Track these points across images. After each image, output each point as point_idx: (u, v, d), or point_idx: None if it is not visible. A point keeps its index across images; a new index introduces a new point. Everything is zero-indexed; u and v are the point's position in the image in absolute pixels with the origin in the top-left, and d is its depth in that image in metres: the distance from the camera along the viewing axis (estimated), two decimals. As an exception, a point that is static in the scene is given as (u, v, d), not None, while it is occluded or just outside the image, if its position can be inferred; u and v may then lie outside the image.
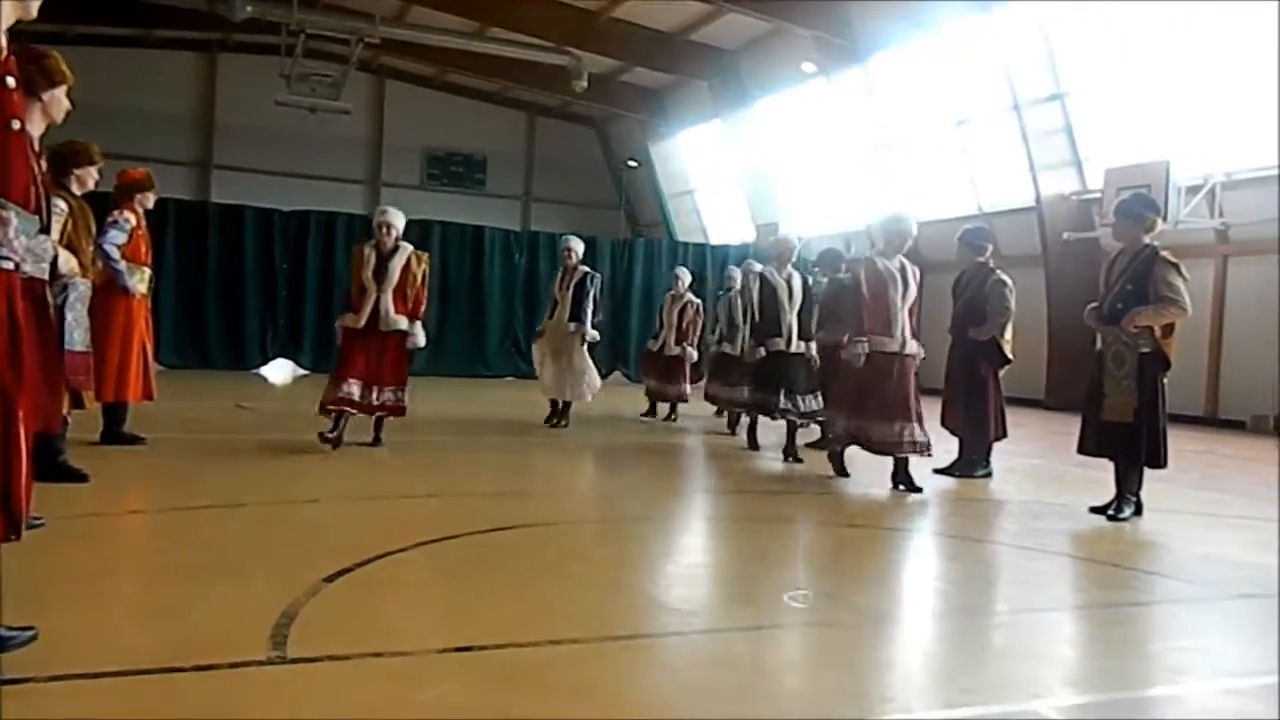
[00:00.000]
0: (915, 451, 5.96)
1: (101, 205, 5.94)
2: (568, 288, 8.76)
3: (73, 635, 2.72)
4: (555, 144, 26.49)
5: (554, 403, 9.01)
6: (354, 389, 6.60)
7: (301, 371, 15.18)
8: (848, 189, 19.08)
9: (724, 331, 9.56)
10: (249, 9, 16.28)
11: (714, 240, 22.02)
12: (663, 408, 10.41)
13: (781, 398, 7.24)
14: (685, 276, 10.41)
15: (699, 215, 25.32)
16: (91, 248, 5.51)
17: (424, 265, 6.86)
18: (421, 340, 6.84)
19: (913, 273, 6.17)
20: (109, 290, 6.06)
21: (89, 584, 3.33)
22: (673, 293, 10.44)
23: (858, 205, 18.59)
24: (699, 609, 3.50)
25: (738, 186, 22.61)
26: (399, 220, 6.96)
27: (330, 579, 3.41)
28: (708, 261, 17.93)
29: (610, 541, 4.62)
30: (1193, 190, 12.62)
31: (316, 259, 15.54)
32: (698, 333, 10.37)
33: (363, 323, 6.65)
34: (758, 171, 21.60)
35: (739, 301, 9.10)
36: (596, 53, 19.53)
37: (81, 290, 5.41)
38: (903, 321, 6.05)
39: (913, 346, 6.07)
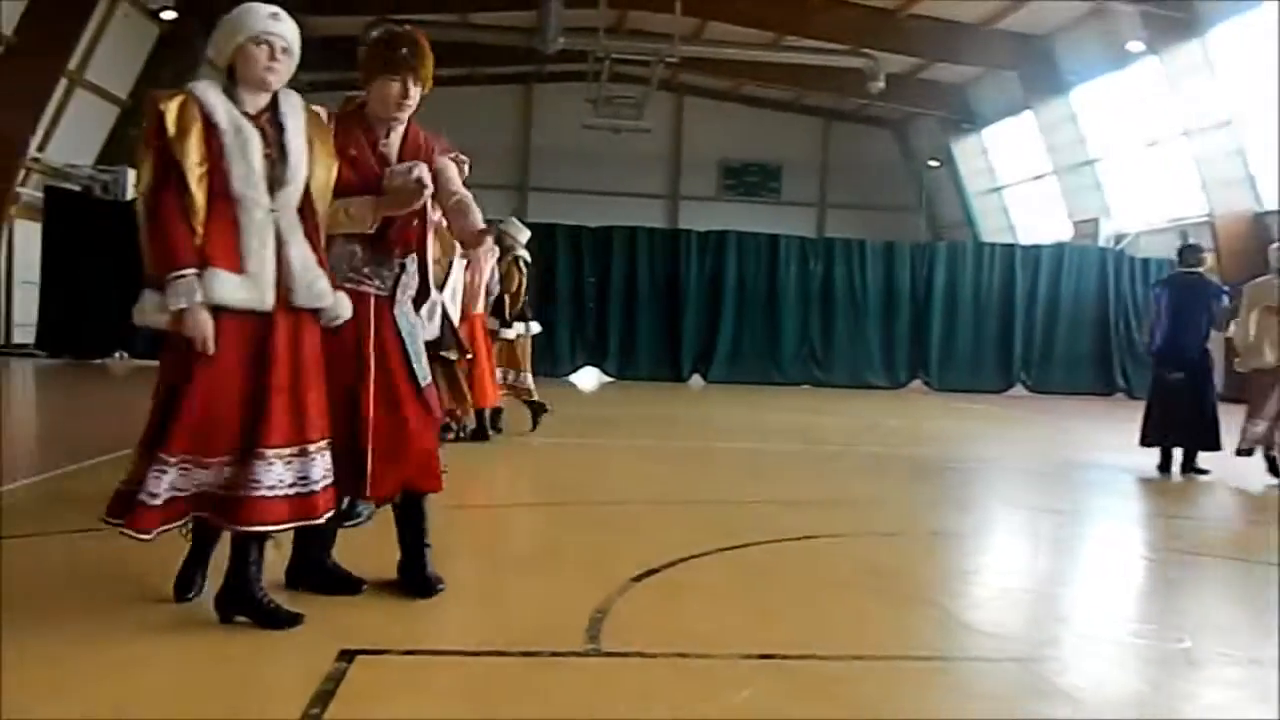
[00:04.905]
0: None
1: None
2: None
3: (418, 614, 3.06)
4: (850, 148, 26.08)
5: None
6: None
7: (607, 378, 16.04)
8: (1181, 178, 17.13)
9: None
10: (561, 41, 17.51)
11: (1024, 240, 20.62)
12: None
13: None
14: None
15: (1007, 214, 23.84)
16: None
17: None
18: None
19: None
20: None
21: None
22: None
23: (1193, 196, 16.64)
24: (1012, 634, 3.29)
25: (1053, 181, 21.04)
26: None
27: (638, 578, 3.57)
28: (1017, 263, 16.78)
29: (904, 555, 4.46)
30: None
31: (620, 272, 16.34)
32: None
33: None
34: (1076, 164, 19.98)
35: None
36: (894, 52, 19.02)
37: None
38: None
39: None
